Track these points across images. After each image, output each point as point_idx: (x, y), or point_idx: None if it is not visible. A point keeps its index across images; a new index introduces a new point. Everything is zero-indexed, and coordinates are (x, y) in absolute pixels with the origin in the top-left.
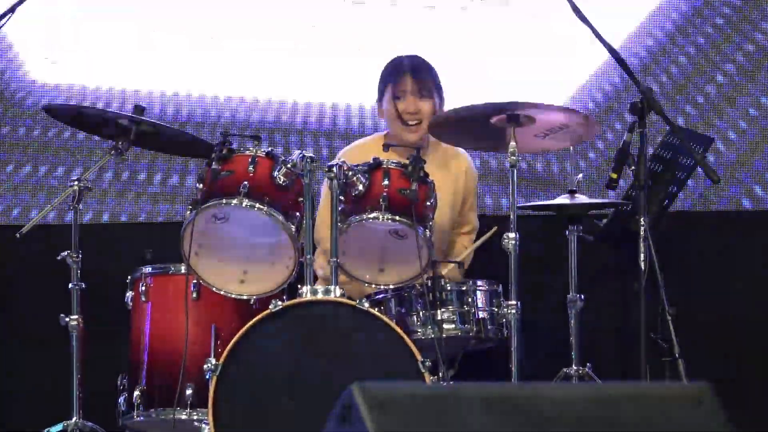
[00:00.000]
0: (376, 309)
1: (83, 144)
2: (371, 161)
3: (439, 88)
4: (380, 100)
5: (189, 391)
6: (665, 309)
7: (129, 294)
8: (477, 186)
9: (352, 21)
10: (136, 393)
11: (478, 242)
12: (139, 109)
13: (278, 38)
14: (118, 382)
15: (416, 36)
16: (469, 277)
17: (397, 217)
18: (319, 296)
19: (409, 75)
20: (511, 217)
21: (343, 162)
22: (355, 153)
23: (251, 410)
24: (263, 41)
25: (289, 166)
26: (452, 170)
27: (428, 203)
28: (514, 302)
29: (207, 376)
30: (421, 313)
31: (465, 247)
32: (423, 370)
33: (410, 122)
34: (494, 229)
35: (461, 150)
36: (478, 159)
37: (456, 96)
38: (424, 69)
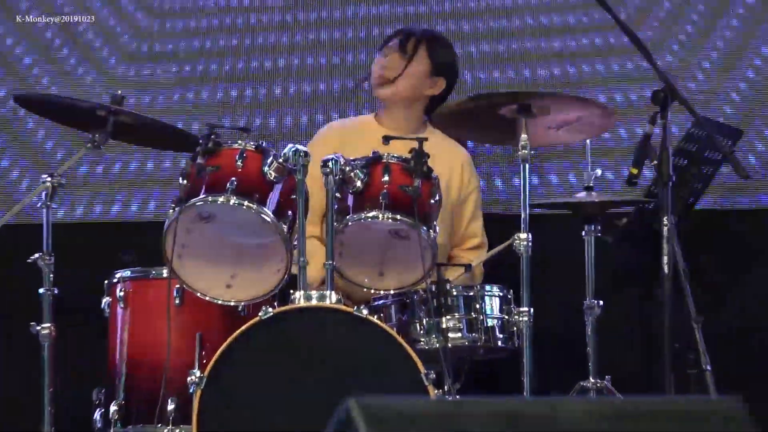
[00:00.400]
0: (376, 316)
1: (57, 136)
2: (370, 155)
3: (435, 54)
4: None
5: (171, 406)
6: (691, 316)
7: (106, 300)
8: (479, 193)
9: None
10: (114, 408)
11: (492, 252)
12: (117, 98)
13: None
14: (94, 396)
15: (419, 16)
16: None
17: (399, 216)
18: (314, 302)
19: (401, 31)
20: (523, 216)
21: (340, 156)
22: (334, 136)
23: (239, 427)
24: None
25: (280, 160)
26: (445, 160)
27: (432, 201)
28: (526, 309)
29: (191, 390)
30: (424, 321)
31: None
32: (426, 383)
33: (378, 77)
34: (510, 240)
35: (459, 145)
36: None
37: (463, 85)
38: (424, 32)
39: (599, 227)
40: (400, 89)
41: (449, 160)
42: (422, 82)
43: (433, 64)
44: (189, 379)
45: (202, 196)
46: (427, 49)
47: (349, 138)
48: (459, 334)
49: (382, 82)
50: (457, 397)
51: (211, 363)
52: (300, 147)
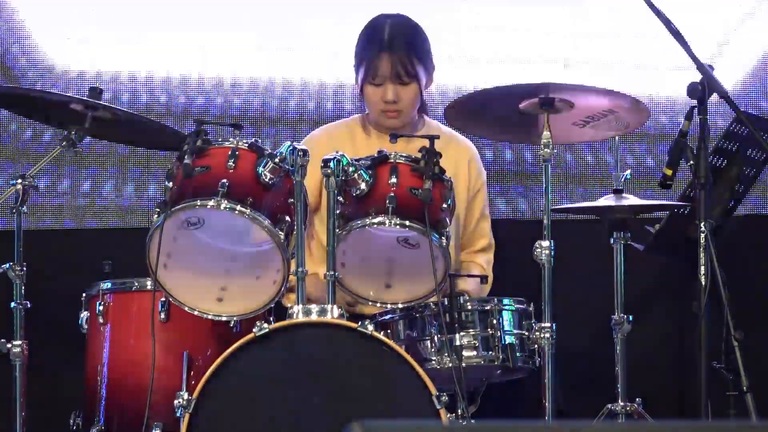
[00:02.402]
0: (382, 332)
1: (29, 134)
2: (376, 154)
3: (424, 61)
4: (357, 74)
5: None
6: (730, 333)
7: (84, 314)
8: (486, 189)
9: None
10: None
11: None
12: (95, 92)
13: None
14: (71, 421)
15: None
16: (494, 294)
17: (408, 223)
18: (314, 317)
19: (386, 55)
20: (545, 221)
21: (342, 155)
22: (324, 140)
23: None
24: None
25: (276, 160)
26: (450, 155)
27: (445, 206)
28: (548, 325)
29: (178, 414)
30: (436, 338)
31: (484, 269)
32: (438, 406)
33: (389, 111)
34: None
35: (462, 137)
36: (502, 150)
37: (478, 76)
38: (406, 42)
39: (629, 234)
40: (410, 112)
41: (454, 155)
42: (422, 90)
43: (427, 69)
44: (176, 402)
45: (189, 199)
46: (420, 63)
47: (339, 142)
48: (474, 353)
49: (396, 115)
50: (472, 421)
51: (200, 384)
52: (298, 145)
